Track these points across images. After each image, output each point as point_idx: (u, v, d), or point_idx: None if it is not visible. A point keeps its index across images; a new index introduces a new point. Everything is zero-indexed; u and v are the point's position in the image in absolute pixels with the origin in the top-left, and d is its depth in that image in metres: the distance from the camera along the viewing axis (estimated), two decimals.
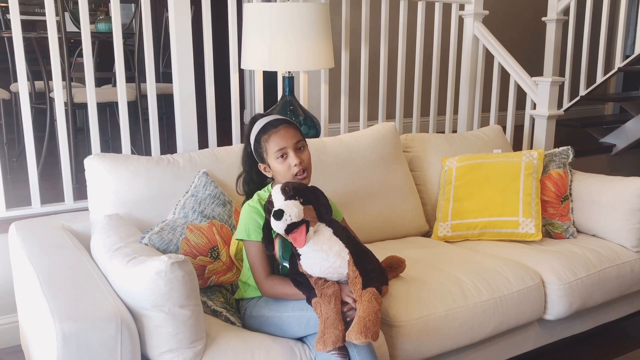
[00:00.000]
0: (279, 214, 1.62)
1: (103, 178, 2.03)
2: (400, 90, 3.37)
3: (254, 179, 1.92)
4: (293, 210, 1.62)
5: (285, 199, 1.66)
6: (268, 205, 1.72)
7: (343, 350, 1.59)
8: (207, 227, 1.96)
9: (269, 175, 1.86)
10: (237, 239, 1.86)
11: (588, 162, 3.91)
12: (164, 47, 4.09)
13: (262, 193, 1.85)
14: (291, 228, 1.63)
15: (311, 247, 1.66)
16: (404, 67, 3.35)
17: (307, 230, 1.64)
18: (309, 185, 1.80)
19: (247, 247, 1.80)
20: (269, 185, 1.88)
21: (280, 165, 1.80)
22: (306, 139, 1.91)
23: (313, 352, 1.65)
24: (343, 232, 1.72)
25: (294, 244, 1.66)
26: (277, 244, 1.78)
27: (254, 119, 1.89)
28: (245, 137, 1.91)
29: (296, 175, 1.79)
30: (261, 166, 1.86)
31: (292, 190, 1.68)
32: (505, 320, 2.09)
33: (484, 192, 2.55)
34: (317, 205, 1.71)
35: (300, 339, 1.72)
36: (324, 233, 1.69)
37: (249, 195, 1.90)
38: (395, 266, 2.03)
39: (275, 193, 1.70)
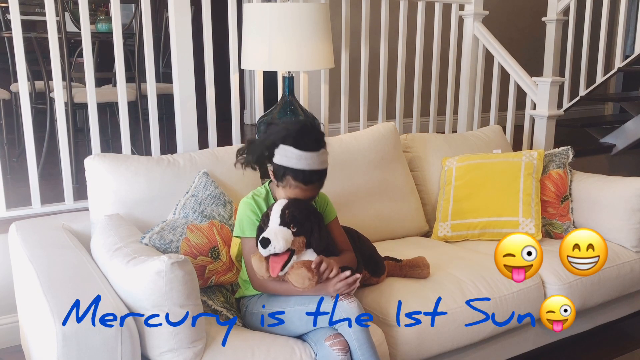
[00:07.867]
0: (265, 243, 1.64)
1: (103, 178, 2.03)
2: (400, 90, 3.37)
3: (252, 165, 1.84)
4: (280, 243, 1.64)
5: (280, 224, 1.67)
6: (266, 215, 1.72)
7: (344, 346, 1.61)
8: (207, 227, 1.96)
9: (270, 176, 1.84)
10: (234, 236, 1.87)
11: (588, 162, 3.91)
12: (164, 47, 4.09)
13: (257, 190, 1.87)
14: (273, 255, 1.65)
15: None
16: (404, 67, 3.34)
17: (290, 259, 1.66)
18: (314, 210, 1.78)
19: (242, 243, 1.83)
20: (266, 183, 1.88)
21: (280, 190, 1.79)
22: None
23: (314, 350, 1.66)
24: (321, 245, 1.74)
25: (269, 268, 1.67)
26: None
27: (300, 129, 1.76)
28: (271, 132, 1.79)
29: None
30: (268, 166, 1.81)
31: (290, 219, 1.68)
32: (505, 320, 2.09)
33: (484, 192, 2.56)
34: (311, 237, 1.71)
35: (301, 337, 1.72)
36: (304, 257, 1.70)
37: (244, 165, 1.84)
38: (416, 265, 2.08)
39: (276, 210, 1.70)
